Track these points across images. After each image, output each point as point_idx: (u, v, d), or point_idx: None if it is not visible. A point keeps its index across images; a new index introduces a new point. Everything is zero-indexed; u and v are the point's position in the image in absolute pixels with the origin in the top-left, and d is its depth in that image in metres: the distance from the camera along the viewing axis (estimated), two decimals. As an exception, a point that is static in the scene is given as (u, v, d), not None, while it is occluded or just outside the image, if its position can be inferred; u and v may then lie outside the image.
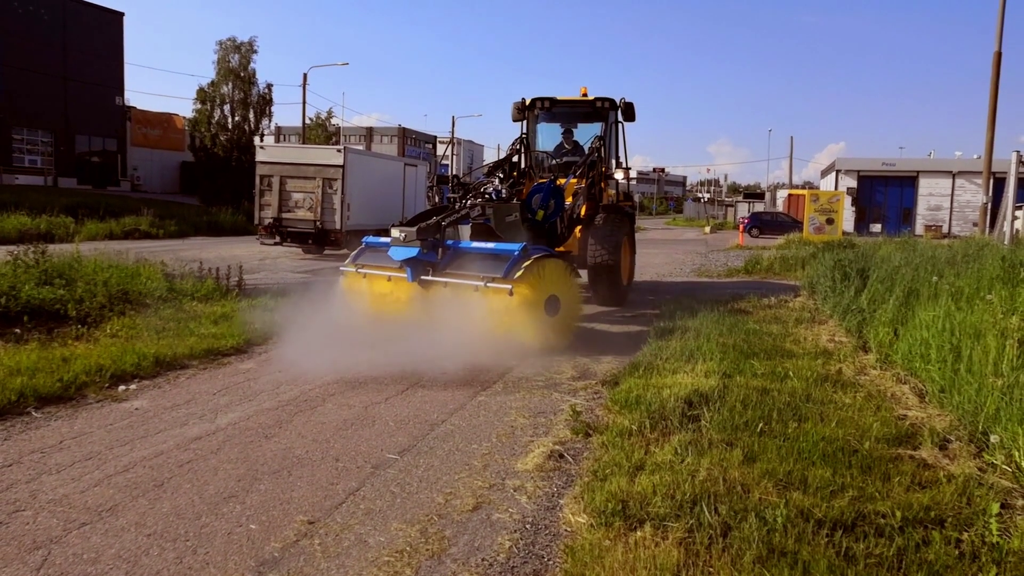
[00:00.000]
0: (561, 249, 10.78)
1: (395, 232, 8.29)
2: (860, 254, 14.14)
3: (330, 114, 51.64)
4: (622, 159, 13.16)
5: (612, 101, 12.49)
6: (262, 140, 39.75)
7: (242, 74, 42.41)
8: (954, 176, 44.37)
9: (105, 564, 3.32)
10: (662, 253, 25.86)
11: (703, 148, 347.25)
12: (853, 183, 45.29)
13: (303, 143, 42.35)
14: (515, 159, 11.99)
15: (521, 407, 5.99)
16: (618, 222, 11.40)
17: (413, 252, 8.09)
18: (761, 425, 5.08)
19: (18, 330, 7.59)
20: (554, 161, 12.73)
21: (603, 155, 12.11)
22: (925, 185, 44.78)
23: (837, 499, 3.91)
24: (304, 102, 43.83)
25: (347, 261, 9.32)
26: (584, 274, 11.37)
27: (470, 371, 6.89)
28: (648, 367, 6.92)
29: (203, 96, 42.44)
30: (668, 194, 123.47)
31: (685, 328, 8.84)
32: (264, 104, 43.47)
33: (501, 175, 10.94)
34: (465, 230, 9.71)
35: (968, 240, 17.57)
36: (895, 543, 3.44)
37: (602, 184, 12.14)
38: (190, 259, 12.90)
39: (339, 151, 21.36)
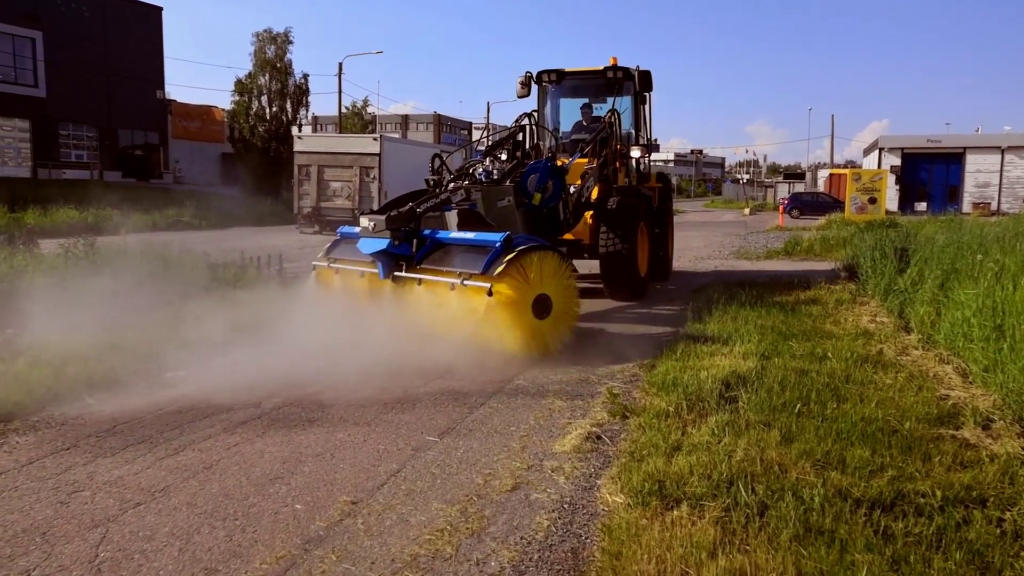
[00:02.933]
0: (569, 237, 9.92)
1: (364, 221, 7.43)
2: (903, 233, 13.90)
3: (366, 103, 52.06)
4: (648, 135, 12.02)
5: (626, 70, 11.17)
6: (300, 130, 40.22)
7: (278, 65, 42.93)
8: (1003, 152, 43.07)
9: (160, 541, 3.47)
10: (700, 235, 25.63)
11: (741, 129, 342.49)
12: (897, 161, 44.26)
13: (340, 132, 42.76)
14: (524, 138, 10.63)
15: (558, 390, 6.04)
16: (633, 206, 10.16)
17: (383, 244, 7.24)
18: (799, 406, 5.07)
19: (71, 320, 7.84)
20: (564, 140, 11.67)
21: (617, 131, 10.86)
22: (972, 162, 43.58)
23: (876, 479, 3.90)
24: (340, 91, 44.23)
25: (320, 254, 8.53)
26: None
27: (507, 355, 6.92)
28: (685, 350, 6.91)
29: (241, 88, 43.08)
30: (706, 176, 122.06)
31: (723, 310, 8.79)
32: (301, 94, 43.98)
33: (504, 155, 9.76)
34: (454, 218, 8.61)
35: (1018, 217, 17.13)
36: (935, 522, 3.44)
37: (617, 164, 10.88)
38: (231, 249, 13.17)
39: (375, 139, 21.58)
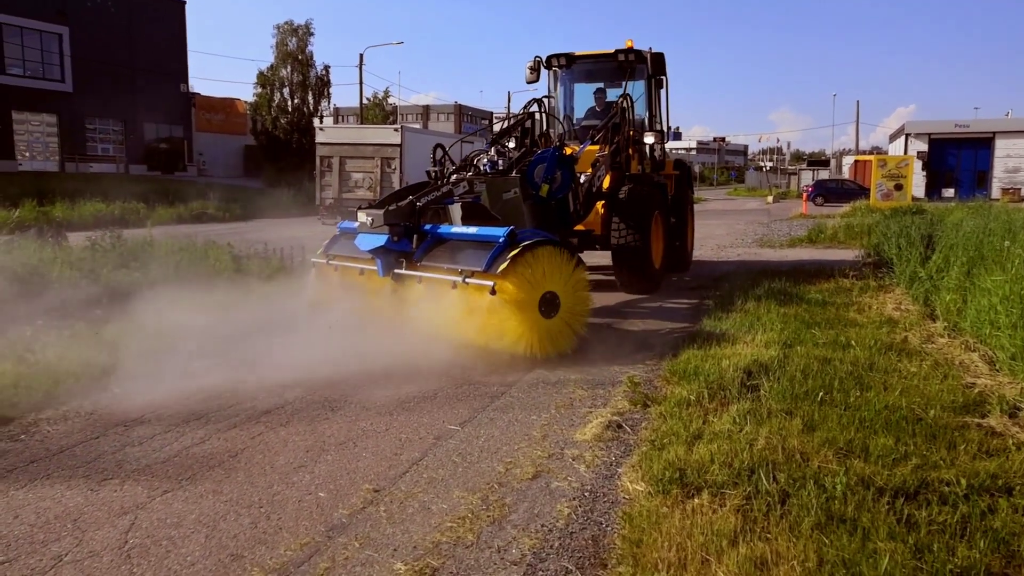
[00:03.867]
0: (581, 228, 9.56)
1: (361, 216, 7.13)
2: (929, 220, 13.71)
3: (387, 93, 52.20)
4: (665, 121, 11.48)
5: (639, 53, 10.61)
6: (321, 121, 40.46)
7: (300, 57, 43.24)
8: (1034, 136, 42.23)
9: (187, 528, 3.53)
10: (723, 224, 25.46)
11: (765, 116, 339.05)
12: (924, 147, 43.57)
13: (361, 123, 42.92)
14: (533, 125, 10.22)
15: (579, 379, 6.05)
16: (646, 195, 9.81)
17: (381, 240, 6.92)
18: (822, 394, 5.04)
19: (99, 311, 7.98)
20: (576, 127, 11.31)
21: (629, 116, 10.39)
22: (1002, 146, 42.76)
23: (899, 467, 3.87)
24: (361, 82, 44.42)
25: (319, 251, 8.21)
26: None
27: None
28: (707, 338, 6.89)
29: (263, 80, 43.47)
30: (729, 164, 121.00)
31: (745, 299, 8.74)
32: (322, 86, 44.27)
33: (512, 143, 9.35)
34: (458, 212, 8.01)
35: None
36: (959, 510, 3.41)
37: (630, 151, 10.37)
38: (255, 240, 13.29)
39: (396, 130, 21.65)
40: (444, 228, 7.27)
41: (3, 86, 36.90)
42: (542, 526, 3.53)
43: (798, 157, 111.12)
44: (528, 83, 11.10)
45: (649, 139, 10.78)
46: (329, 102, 46.65)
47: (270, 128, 43.20)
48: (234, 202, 29.72)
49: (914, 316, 7.87)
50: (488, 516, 3.63)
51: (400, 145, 21.00)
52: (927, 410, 4.75)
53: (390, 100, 52.65)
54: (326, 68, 44.67)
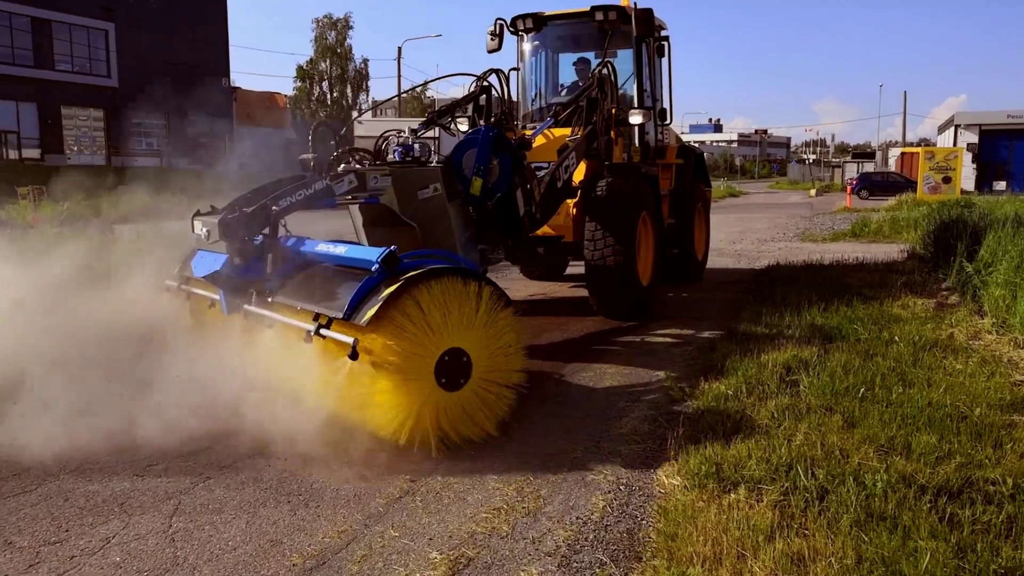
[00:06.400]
0: (550, 232, 7.72)
1: (197, 226, 5.11)
2: (979, 214, 13.36)
3: (425, 86, 52.42)
4: (665, 96, 9.49)
5: (620, 10, 8.38)
6: (360, 115, 40.78)
7: (339, 51, 43.67)
8: (1090, 126, 40.84)
9: (228, 513, 3.61)
10: (764, 218, 25.13)
11: (808, 107, 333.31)
12: (974, 138, 42.38)
13: (399, 116, 43.19)
14: (489, 102, 7.58)
15: (616, 372, 6.03)
16: (629, 191, 7.59)
17: (218, 264, 4.90)
18: (863, 390, 4.95)
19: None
20: (544, 103, 9.24)
21: (610, 90, 8.14)
22: (1058, 137, 41.43)
23: (943, 465, 3.80)
24: (399, 75, 44.64)
25: (176, 269, 5.93)
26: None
27: (563, 338, 6.89)
28: (745, 332, 6.81)
29: (302, 74, 44.01)
30: (771, 156, 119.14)
31: (786, 292, 8.61)
32: (361, 79, 44.70)
33: (464, 125, 7.43)
34: (359, 218, 6.39)
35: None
36: (1005, 510, 3.33)
37: (612, 134, 8.17)
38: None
39: (434, 123, 21.74)
40: (309, 245, 5.18)
41: (53, 82, 37.90)
42: (577, 518, 3.54)
43: (842, 149, 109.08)
44: (489, 52, 9.02)
45: (635, 118, 8.31)
46: (368, 95, 47.06)
47: (310, 122, 43.71)
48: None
49: (961, 312, 7.69)
50: (523, 508, 3.65)
51: (438, 138, 21.10)
52: (973, 408, 4.65)
53: (428, 93, 52.92)
54: (365, 61, 45.25)
